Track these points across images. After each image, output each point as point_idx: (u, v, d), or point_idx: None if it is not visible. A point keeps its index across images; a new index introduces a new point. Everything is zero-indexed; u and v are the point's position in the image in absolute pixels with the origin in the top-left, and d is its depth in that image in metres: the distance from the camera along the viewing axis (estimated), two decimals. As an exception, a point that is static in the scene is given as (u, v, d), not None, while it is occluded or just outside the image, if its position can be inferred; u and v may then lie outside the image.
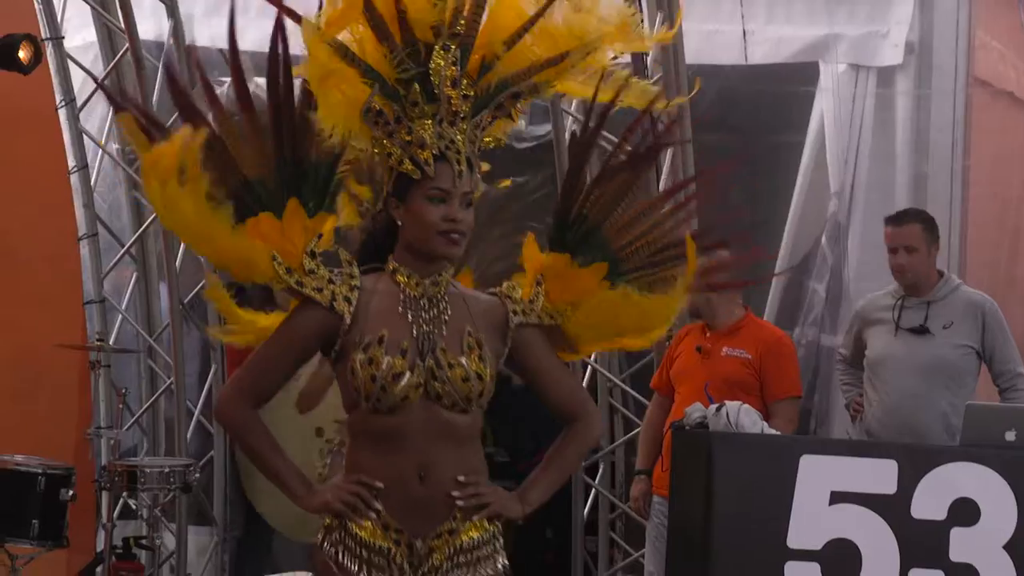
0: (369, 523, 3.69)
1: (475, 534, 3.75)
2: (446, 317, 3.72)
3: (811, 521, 5.86)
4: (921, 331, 6.73)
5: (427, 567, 3.71)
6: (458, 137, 3.69)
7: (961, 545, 5.86)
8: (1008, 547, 5.86)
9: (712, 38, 8.29)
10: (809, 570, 5.86)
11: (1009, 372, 6.75)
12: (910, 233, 6.78)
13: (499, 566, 3.79)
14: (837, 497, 5.88)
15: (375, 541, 3.70)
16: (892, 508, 5.86)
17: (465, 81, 3.71)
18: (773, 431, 6.33)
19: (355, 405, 3.71)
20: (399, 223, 3.72)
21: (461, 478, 3.71)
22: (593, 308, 3.81)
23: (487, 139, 3.79)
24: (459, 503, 3.70)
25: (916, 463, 5.91)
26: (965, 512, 5.88)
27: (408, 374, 3.66)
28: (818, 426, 7.93)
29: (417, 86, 3.68)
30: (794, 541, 5.86)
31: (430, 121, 3.68)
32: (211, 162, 3.60)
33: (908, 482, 5.87)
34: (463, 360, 3.69)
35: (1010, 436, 6.03)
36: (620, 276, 3.81)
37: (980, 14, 8.13)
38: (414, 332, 3.70)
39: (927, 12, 8.12)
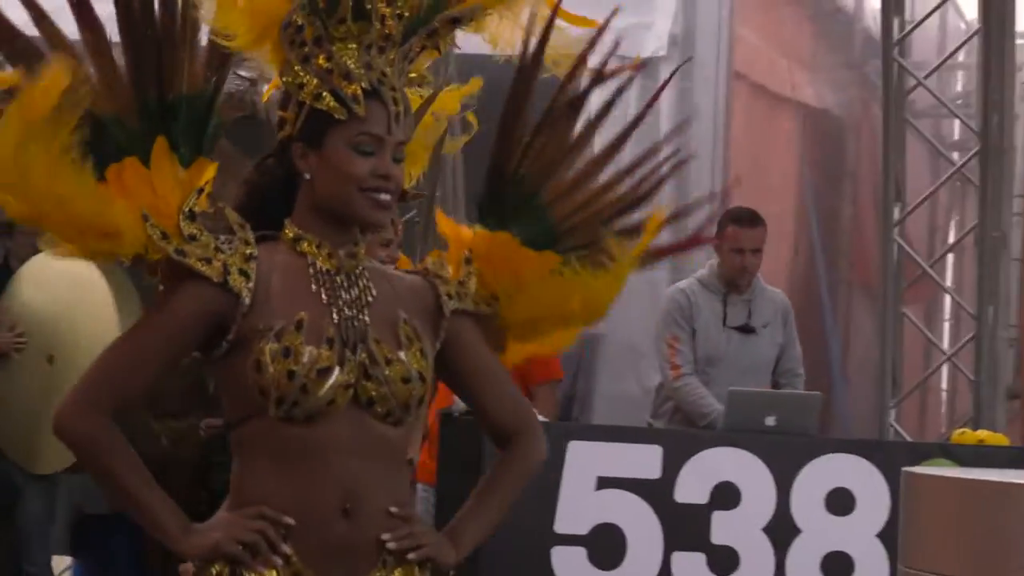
0: (274, 571, 2.80)
1: None
2: (369, 298, 2.88)
3: (578, 506, 5.95)
4: (748, 330, 6.74)
5: None
6: (388, 69, 2.86)
7: (722, 528, 6.00)
8: (767, 529, 6.03)
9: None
10: (575, 555, 5.95)
11: (792, 371, 6.86)
12: (761, 235, 6.71)
13: None
14: (603, 482, 5.98)
15: None
16: (656, 493, 5.97)
17: None
18: (540, 417, 6.39)
19: (255, 413, 2.81)
20: (306, 176, 2.85)
21: (393, 509, 2.87)
22: (540, 292, 3.01)
23: (411, 75, 3.02)
24: (390, 545, 2.85)
25: (680, 448, 6.04)
26: (726, 496, 6.02)
27: (337, 370, 2.79)
28: (581, 412, 8.02)
29: None
30: (561, 526, 5.94)
31: (355, 45, 2.84)
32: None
33: (672, 467, 6.00)
34: (402, 355, 2.85)
35: (770, 421, 6.19)
36: (564, 253, 3.04)
37: (741, 8, 8.30)
38: (335, 317, 2.84)
39: (690, 5, 8.24)
